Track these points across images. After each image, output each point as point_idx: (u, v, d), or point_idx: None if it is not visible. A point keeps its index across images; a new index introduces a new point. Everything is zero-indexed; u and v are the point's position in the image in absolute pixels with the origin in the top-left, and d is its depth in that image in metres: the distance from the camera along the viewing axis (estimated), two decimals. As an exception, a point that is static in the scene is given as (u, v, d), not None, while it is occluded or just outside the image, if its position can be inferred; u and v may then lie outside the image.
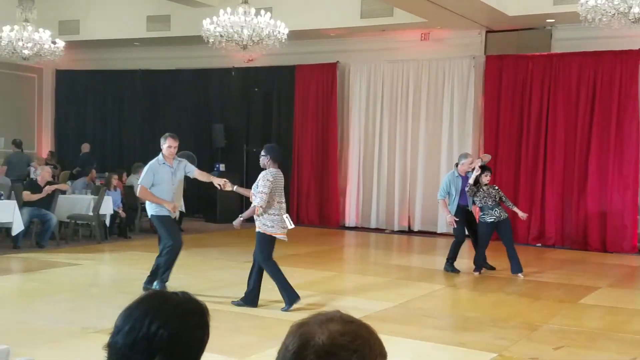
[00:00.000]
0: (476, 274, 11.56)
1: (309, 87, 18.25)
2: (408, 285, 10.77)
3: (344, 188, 18.05)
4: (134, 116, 20.90)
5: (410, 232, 17.14)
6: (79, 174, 17.74)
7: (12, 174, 16.56)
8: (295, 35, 14.64)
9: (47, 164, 17.69)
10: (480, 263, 11.66)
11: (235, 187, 9.28)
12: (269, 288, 9.74)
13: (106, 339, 2.05)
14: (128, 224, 15.47)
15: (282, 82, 18.71)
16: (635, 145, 14.78)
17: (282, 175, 8.77)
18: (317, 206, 18.26)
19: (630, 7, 10.29)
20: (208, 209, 18.23)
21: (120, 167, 17.75)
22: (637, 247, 14.69)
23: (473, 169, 11.58)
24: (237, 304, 8.68)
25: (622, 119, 14.83)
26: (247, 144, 18.83)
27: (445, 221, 13.40)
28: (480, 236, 11.63)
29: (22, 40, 15.03)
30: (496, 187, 11.76)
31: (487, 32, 16.27)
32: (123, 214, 15.09)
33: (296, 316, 1.77)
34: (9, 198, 13.50)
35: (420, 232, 16.93)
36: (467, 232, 11.99)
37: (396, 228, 17.32)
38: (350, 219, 17.97)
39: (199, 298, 2.16)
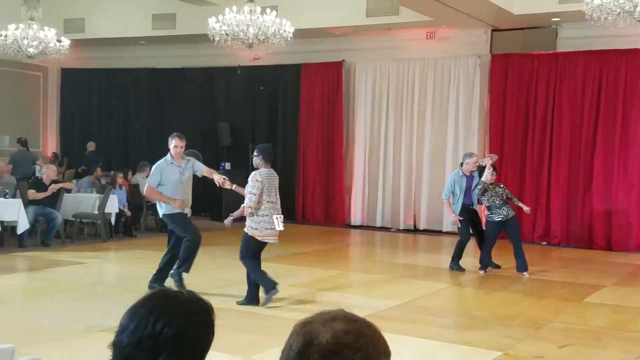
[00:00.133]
0: (481, 272, 11.56)
1: (315, 85, 18.25)
2: (413, 284, 10.76)
3: (350, 186, 18.05)
4: (139, 115, 20.93)
5: (415, 230, 17.13)
6: (84, 173, 17.77)
7: (18, 172, 16.58)
8: (301, 34, 14.65)
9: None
10: (485, 262, 11.66)
11: (234, 185, 9.32)
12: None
13: (111, 337, 2.05)
14: (133, 223, 15.50)
15: (287, 81, 18.72)
16: (641, 144, 14.77)
17: (275, 175, 8.81)
18: (322, 205, 18.26)
19: (636, 6, 10.25)
20: (213, 207, 18.23)
21: (125, 166, 17.78)
22: (642, 245, 14.68)
23: (481, 167, 11.57)
24: (241, 303, 8.71)
25: (627, 118, 14.81)
26: (252, 142, 18.77)
27: (450, 220, 13.39)
28: (487, 235, 11.62)
29: (28, 38, 15.04)
30: (502, 185, 11.75)
31: (493, 30, 16.25)
32: (128, 213, 15.11)
33: (300, 315, 1.77)
34: (14, 196, 13.54)
35: (426, 231, 16.93)
36: (471, 232, 11.99)
37: (401, 227, 17.31)
38: (356, 217, 17.97)
39: (204, 297, 2.17)
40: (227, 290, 9.54)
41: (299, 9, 16.08)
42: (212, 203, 18.08)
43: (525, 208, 11.86)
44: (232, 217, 8.99)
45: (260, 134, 18.84)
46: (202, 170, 9.55)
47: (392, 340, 1.78)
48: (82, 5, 19.20)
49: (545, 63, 15.56)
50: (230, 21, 13.05)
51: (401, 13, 15.63)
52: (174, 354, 2.00)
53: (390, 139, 17.48)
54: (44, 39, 15.24)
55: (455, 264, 11.77)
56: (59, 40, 15.58)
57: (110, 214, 14.45)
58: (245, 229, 8.72)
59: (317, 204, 18.30)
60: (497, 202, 11.39)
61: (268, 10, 13.23)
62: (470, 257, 12.21)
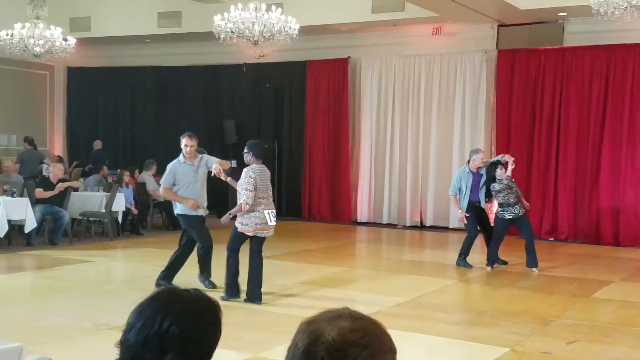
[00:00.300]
0: (488, 268, 11.54)
1: (320, 82, 18.23)
2: (420, 280, 10.75)
3: (356, 183, 18.03)
4: (145, 113, 20.94)
5: (422, 227, 17.10)
6: (91, 171, 17.80)
7: (25, 171, 16.61)
8: (306, 31, 14.64)
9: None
10: (493, 258, 11.64)
11: (229, 178, 9.34)
12: (278, 284, 9.78)
13: (119, 335, 2.06)
14: (140, 221, 15.51)
15: (293, 78, 18.71)
16: (648, 139, 14.72)
17: (267, 171, 8.85)
18: (328, 202, 18.25)
19: (643, 0, 10.24)
20: (220, 204, 18.22)
21: (132, 164, 17.78)
22: (650, 241, 14.64)
23: (494, 165, 11.54)
24: (247, 300, 8.73)
25: (635, 113, 14.74)
26: (259, 139, 18.80)
27: (457, 216, 13.37)
28: (496, 232, 11.60)
29: (34, 37, 15.06)
30: (513, 180, 11.70)
31: (499, 26, 16.20)
32: (135, 211, 15.13)
33: (307, 312, 1.77)
34: (21, 195, 13.57)
35: (433, 227, 16.89)
36: (478, 228, 11.97)
37: (408, 223, 17.28)
38: (362, 214, 17.96)
39: (211, 295, 2.17)
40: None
41: (304, 6, 16.06)
42: (218, 200, 18.05)
43: (525, 204, 11.86)
44: (229, 215, 9.01)
45: (266, 131, 18.82)
46: (214, 162, 9.52)
47: (399, 337, 1.78)
48: (87, 3, 19.22)
49: (552, 58, 15.51)
50: (235, 19, 13.05)
51: (407, 9, 15.61)
52: (181, 353, 2.00)
53: (397, 135, 17.45)
54: (50, 37, 15.25)
55: (462, 261, 11.75)
56: (65, 39, 15.59)
57: (117, 212, 14.47)
58: (236, 224, 8.79)
59: (323, 201, 18.29)
60: (512, 200, 11.37)
61: (273, 7, 13.22)
62: (477, 254, 12.20)
